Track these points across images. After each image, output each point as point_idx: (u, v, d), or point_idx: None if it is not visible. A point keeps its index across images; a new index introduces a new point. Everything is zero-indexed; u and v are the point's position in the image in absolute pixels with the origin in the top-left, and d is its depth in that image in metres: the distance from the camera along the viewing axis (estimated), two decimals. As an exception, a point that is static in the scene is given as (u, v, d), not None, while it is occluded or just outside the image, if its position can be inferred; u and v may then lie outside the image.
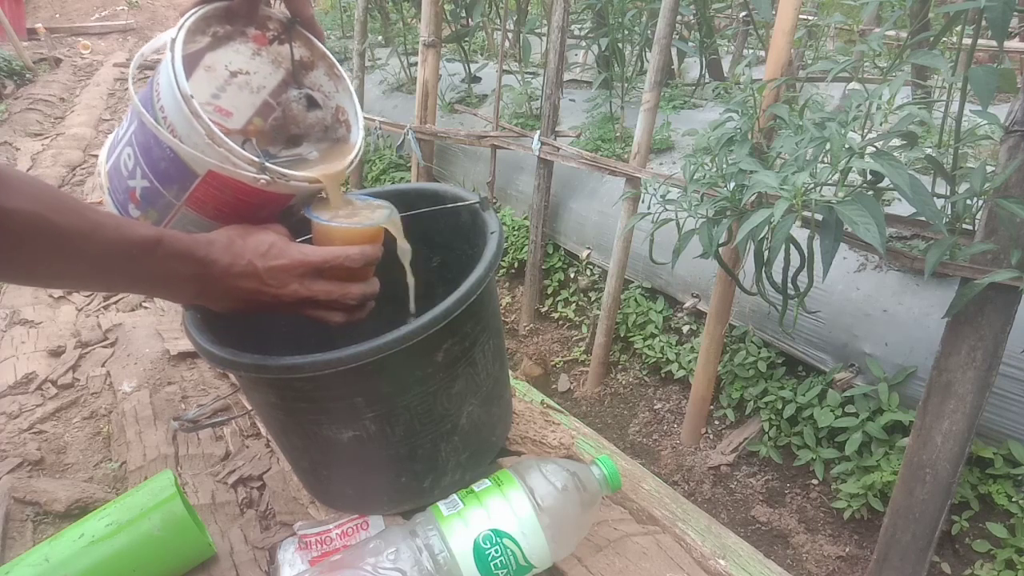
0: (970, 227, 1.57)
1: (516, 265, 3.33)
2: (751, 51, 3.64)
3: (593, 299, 2.96)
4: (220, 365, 0.74)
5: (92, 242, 0.58)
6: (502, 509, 0.73)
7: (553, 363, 2.96)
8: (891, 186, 1.42)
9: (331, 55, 0.87)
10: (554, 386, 2.86)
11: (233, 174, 0.72)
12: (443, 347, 0.77)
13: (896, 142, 1.53)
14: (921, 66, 2.07)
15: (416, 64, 3.75)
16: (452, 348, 0.78)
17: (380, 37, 5.10)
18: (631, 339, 2.72)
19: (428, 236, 1.04)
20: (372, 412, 0.77)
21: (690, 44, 3.35)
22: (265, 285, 0.69)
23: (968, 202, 1.50)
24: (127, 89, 0.81)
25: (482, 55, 4.97)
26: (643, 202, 2.39)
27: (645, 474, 1.03)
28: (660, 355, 2.59)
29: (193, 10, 0.75)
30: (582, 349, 2.92)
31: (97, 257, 0.59)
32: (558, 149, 2.84)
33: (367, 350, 0.69)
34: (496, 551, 0.70)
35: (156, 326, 1.49)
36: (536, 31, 3.88)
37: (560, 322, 3.11)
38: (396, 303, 1.06)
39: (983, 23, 1.45)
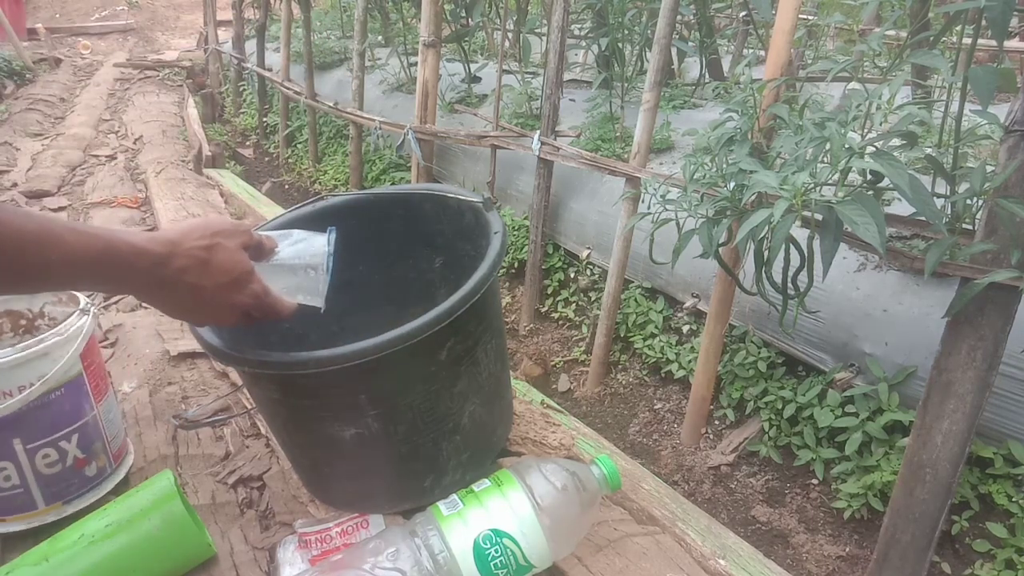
0: (970, 227, 1.57)
1: (516, 265, 3.33)
2: (751, 51, 3.64)
3: (593, 299, 2.96)
4: (225, 361, 0.74)
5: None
6: (502, 509, 0.73)
7: (553, 363, 2.96)
8: (891, 186, 1.42)
9: None
10: (554, 386, 2.86)
11: None
12: (446, 345, 0.77)
13: (896, 142, 1.53)
14: (921, 66, 2.07)
15: (416, 64, 3.75)
16: (455, 347, 0.78)
17: (380, 37, 5.10)
18: (631, 339, 2.72)
19: (431, 237, 1.04)
20: (375, 410, 0.77)
21: (690, 44, 3.35)
22: (205, 300, 0.69)
23: (968, 202, 1.50)
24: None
25: (482, 55, 4.97)
26: (643, 202, 2.39)
27: (645, 474, 1.03)
28: (660, 355, 2.59)
29: None
30: (582, 349, 2.92)
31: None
32: (558, 149, 2.84)
33: (371, 347, 0.69)
34: (496, 551, 0.70)
35: (156, 326, 1.48)
36: (536, 31, 3.88)
37: (560, 322, 3.11)
38: (396, 303, 1.06)
39: (983, 23, 1.45)
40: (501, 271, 3.42)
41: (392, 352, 0.70)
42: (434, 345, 0.76)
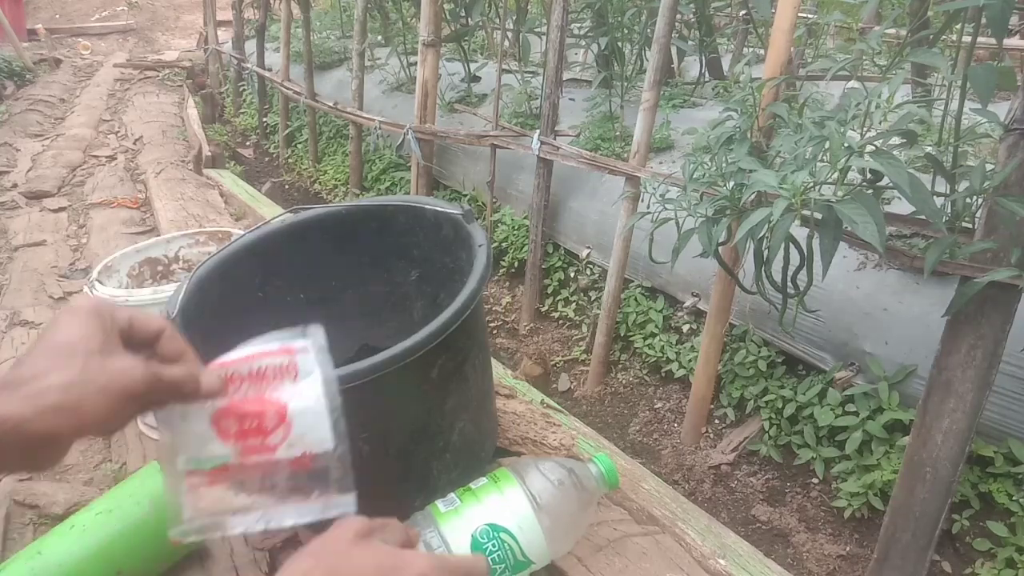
0: (970, 225, 1.57)
1: (516, 264, 3.33)
2: (751, 49, 3.64)
3: (593, 298, 2.96)
4: None
5: None
6: (499, 505, 0.73)
7: (553, 362, 2.96)
8: (890, 185, 1.42)
9: None
10: (554, 385, 2.86)
11: None
12: (438, 363, 0.75)
13: (896, 140, 1.53)
14: (921, 64, 2.07)
15: (416, 64, 3.75)
16: (446, 364, 0.77)
17: (380, 37, 5.10)
18: (631, 338, 2.72)
19: (406, 250, 1.02)
20: (366, 432, 0.74)
21: (690, 43, 3.35)
22: None
23: (968, 200, 1.50)
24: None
25: (482, 54, 4.97)
26: (642, 201, 2.39)
27: (645, 474, 1.03)
28: (660, 354, 2.59)
29: None
30: (582, 348, 2.92)
31: None
32: (558, 148, 2.84)
33: (366, 368, 0.67)
34: (493, 545, 0.71)
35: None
36: (536, 30, 3.88)
37: (560, 321, 3.10)
38: (370, 317, 1.04)
39: (982, 21, 1.45)
40: (501, 270, 3.42)
41: (386, 373, 0.68)
42: (426, 364, 0.73)
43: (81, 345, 0.44)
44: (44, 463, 0.45)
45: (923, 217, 1.55)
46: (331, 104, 4.53)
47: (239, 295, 0.95)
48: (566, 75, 3.56)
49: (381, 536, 0.52)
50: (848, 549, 1.93)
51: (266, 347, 0.56)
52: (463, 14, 4.00)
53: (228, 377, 0.55)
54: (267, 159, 5.81)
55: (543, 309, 3.17)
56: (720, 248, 1.83)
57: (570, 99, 3.46)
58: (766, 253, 1.65)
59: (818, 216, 1.46)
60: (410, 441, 0.78)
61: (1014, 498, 1.70)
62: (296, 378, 0.55)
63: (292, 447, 0.53)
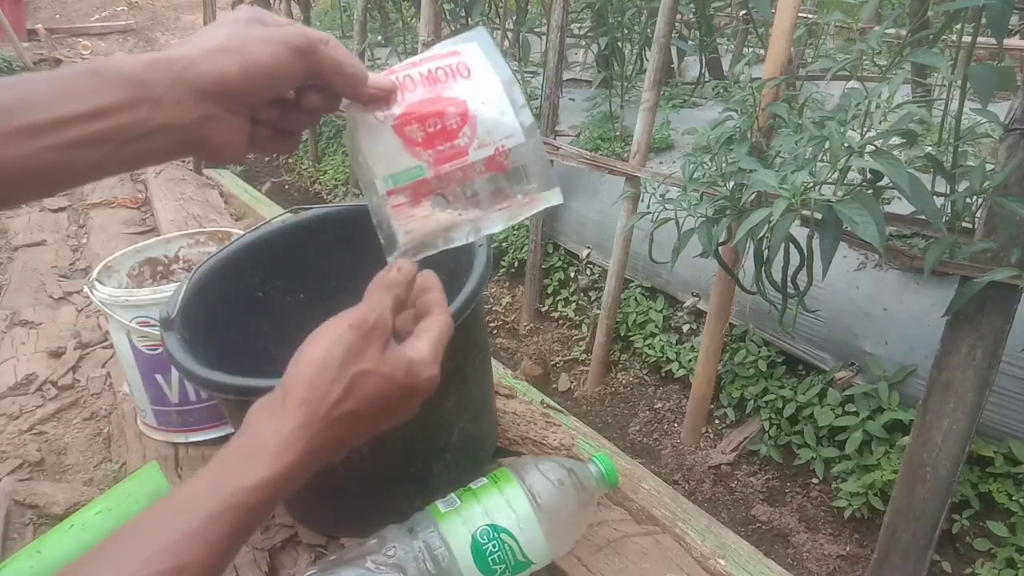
0: (970, 225, 1.57)
1: (516, 264, 3.33)
2: (751, 49, 3.64)
3: (593, 298, 2.96)
4: (205, 387, 0.71)
5: None
6: (499, 505, 0.73)
7: (553, 363, 2.96)
8: (890, 185, 1.42)
9: None
10: (554, 386, 2.86)
11: None
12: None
13: (896, 140, 1.53)
14: (921, 64, 2.07)
15: (416, 64, 3.74)
16: (446, 364, 0.76)
17: (380, 37, 5.10)
18: (631, 338, 2.72)
19: None
20: None
21: (690, 43, 3.35)
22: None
23: (968, 200, 1.50)
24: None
25: (482, 54, 4.97)
26: (643, 201, 2.39)
27: (645, 474, 1.02)
28: (660, 354, 2.59)
29: None
30: (582, 348, 2.92)
31: None
32: (557, 148, 2.84)
33: None
34: (493, 546, 0.70)
35: (156, 327, 1.48)
36: (536, 30, 3.88)
37: (560, 321, 3.10)
38: None
39: (982, 21, 1.45)
40: (501, 270, 3.42)
41: None
42: None
43: (241, 18, 0.48)
44: (218, 132, 0.47)
45: (923, 217, 1.55)
46: (331, 104, 4.53)
47: (239, 295, 0.94)
48: (566, 75, 3.55)
49: (398, 332, 0.55)
50: (848, 549, 1.93)
51: (432, 52, 0.54)
52: (463, 14, 4.00)
53: (400, 82, 0.53)
54: (267, 159, 5.81)
55: (543, 309, 3.17)
56: (720, 248, 1.83)
57: (570, 99, 3.46)
58: (766, 253, 1.65)
59: (818, 216, 1.46)
60: (410, 441, 0.78)
61: (1014, 498, 1.70)
62: (469, 75, 0.53)
63: (483, 146, 0.52)
